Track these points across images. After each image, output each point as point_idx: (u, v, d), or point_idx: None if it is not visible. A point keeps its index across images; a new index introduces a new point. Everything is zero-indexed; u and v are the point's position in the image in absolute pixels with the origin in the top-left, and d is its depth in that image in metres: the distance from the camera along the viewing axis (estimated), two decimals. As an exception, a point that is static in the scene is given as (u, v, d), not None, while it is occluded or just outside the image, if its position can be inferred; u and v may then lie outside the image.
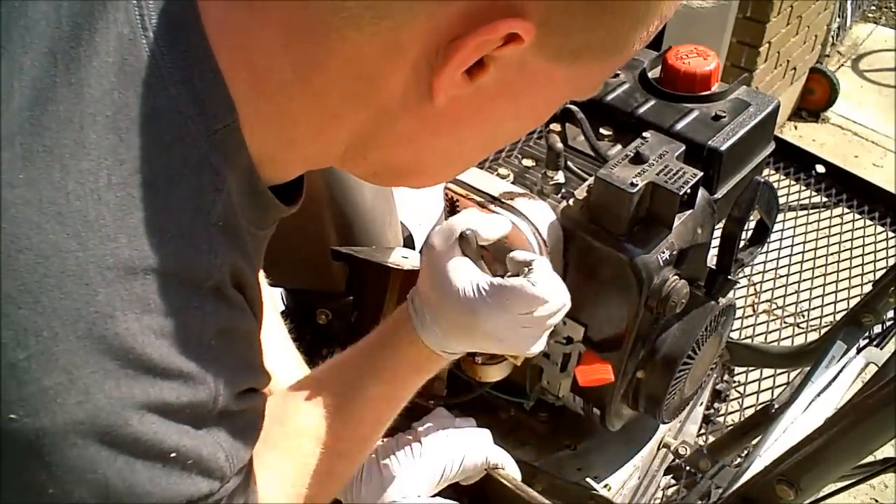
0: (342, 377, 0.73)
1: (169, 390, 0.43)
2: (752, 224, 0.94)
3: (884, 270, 1.81)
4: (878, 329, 1.19)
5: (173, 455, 0.44)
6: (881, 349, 1.10)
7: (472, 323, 0.69)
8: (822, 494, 0.76)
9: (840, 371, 0.99)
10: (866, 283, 2.07)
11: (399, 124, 0.49)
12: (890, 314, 1.29)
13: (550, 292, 0.69)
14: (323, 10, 0.42)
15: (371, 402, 0.72)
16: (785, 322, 2.10)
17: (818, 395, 0.96)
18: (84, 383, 0.40)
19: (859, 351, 1.04)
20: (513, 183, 0.87)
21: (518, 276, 0.70)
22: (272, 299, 0.91)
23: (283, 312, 1.20)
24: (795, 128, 3.32)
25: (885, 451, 0.95)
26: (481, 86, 0.46)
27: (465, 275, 0.69)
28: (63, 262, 0.39)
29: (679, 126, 0.90)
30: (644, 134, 0.83)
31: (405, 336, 0.72)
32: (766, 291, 2.13)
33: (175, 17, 0.43)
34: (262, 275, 0.86)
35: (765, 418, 1.16)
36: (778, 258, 2.18)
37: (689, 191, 0.78)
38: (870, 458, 0.73)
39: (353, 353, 0.74)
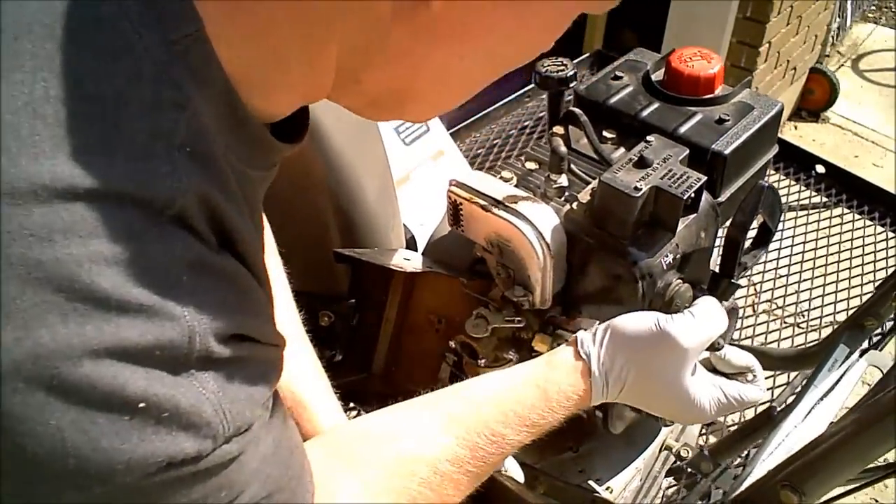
0: (472, 420, 0.66)
1: (128, 327, 0.37)
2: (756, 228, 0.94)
3: (884, 271, 1.81)
4: (880, 333, 1.19)
5: (142, 405, 0.37)
6: (880, 350, 1.10)
7: (685, 418, 0.77)
8: (824, 499, 0.76)
9: (843, 375, 0.99)
10: (866, 284, 2.08)
11: (392, 37, 0.44)
12: (893, 318, 1.29)
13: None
14: None
15: (506, 447, 0.67)
16: (785, 322, 2.10)
17: (821, 398, 0.96)
18: (22, 318, 0.35)
19: (862, 354, 1.04)
20: (516, 186, 0.87)
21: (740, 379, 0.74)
22: (279, 269, 0.87)
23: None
24: (795, 128, 3.32)
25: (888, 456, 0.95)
26: None
27: (707, 390, 0.71)
28: None
29: (683, 129, 0.90)
30: (648, 137, 0.83)
31: (570, 393, 0.68)
32: (766, 292, 2.14)
33: None
34: (269, 236, 0.81)
35: (767, 420, 1.16)
36: (778, 258, 2.18)
37: (692, 195, 0.78)
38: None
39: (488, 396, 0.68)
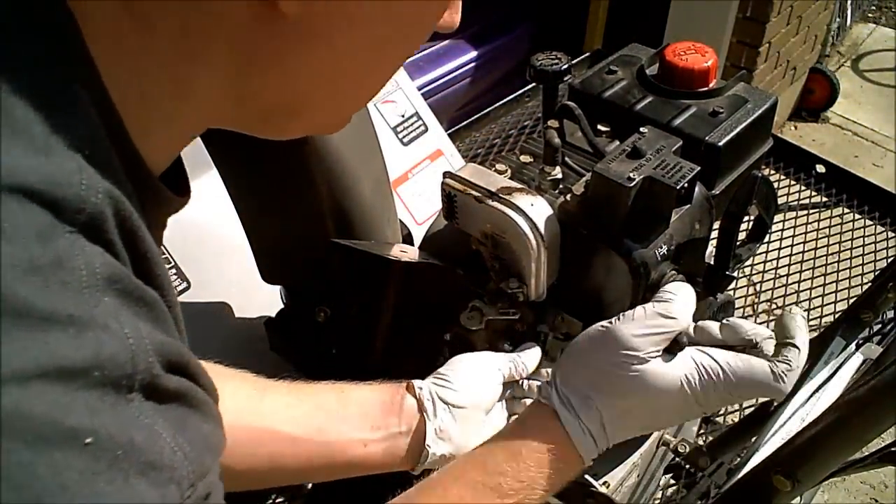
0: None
1: (59, 342, 0.30)
2: (752, 221, 0.94)
3: (884, 269, 1.80)
4: (877, 326, 1.18)
5: (89, 441, 0.29)
6: (881, 346, 1.10)
7: (677, 413, 0.64)
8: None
9: (839, 367, 0.99)
10: (866, 283, 2.07)
11: (259, 49, 0.42)
12: (890, 314, 1.29)
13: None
14: None
15: None
16: (785, 322, 2.09)
17: (816, 390, 0.96)
18: None
19: (858, 347, 1.04)
20: (510, 179, 0.87)
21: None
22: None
23: (281, 311, 1.20)
24: (795, 128, 3.32)
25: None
26: None
27: (682, 370, 0.62)
28: None
29: (677, 122, 0.90)
30: (641, 129, 0.83)
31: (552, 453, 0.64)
32: (765, 291, 2.13)
33: None
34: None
35: (764, 416, 1.16)
36: (778, 258, 2.18)
37: (686, 185, 0.78)
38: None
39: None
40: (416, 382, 0.79)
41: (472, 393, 0.79)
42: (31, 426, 0.28)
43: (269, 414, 0.73)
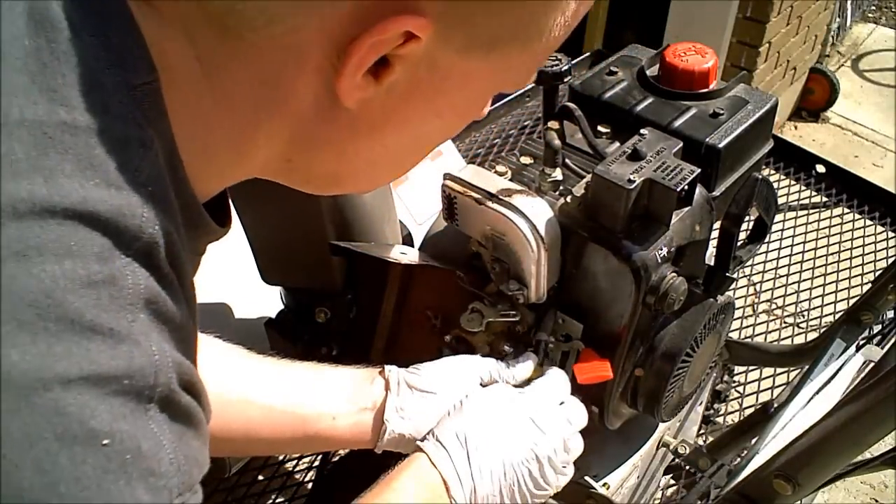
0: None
1: (98, 351, 0.35)
2: (752, 222, 0.94)
3: (884, 270, 1.80)
4: (877, 327, 1.18)
5: (105, 442, 0.34)
6: (882, 347, 1.10)
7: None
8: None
9: (839, 369, 0.99)
10: (866, 283, 2.07)
11: (317, 130, 0.47)
12: (890, 314, 1.29)
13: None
14: (218, 9, 0.40)
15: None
16: (785, 322, 2.09)
17: (817, 392, 0.96)
18: None
19: (858, 349, 1.04)
20: (511, 180, 0.87)
21: None
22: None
23: (281, 311, 1.20)
24: (795, 128, 3.32)
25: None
26: (391, 86, 0.44)
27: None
28: None
29: (677, 123, 0.90)
30: (642, 131, 0.83)
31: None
32: (765, 291, 2.13)
33: None
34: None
35: (764, 417, 1.16)
36: (778, 258, 2.17)
37: (686, 187, 0.78)
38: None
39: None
40: (389, 367, 0.82)
41: (439, 382, 0.82)
42: (63, 422, 0.33)
43: (250, 385, 0.79)
